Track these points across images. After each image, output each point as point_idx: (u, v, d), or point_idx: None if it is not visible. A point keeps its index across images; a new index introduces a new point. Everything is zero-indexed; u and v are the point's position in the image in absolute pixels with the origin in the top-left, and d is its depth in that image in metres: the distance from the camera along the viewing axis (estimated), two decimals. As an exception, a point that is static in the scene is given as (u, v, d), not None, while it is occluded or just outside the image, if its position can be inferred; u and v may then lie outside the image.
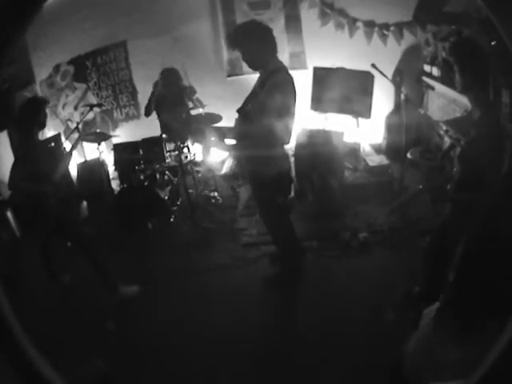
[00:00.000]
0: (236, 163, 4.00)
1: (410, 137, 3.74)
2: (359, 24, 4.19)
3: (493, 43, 2.87)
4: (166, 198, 3.47)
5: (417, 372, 1.22)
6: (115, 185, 4.07)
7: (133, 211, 3.38)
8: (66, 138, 4.10)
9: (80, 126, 4.04)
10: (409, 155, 3.85)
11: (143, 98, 4.36)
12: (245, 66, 4.22)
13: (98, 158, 3.96)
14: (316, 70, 3.90)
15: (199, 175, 3.94)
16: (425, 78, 4.24)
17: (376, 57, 3.75)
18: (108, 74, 4.38)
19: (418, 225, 3.28)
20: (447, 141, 3.38)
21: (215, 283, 2.88)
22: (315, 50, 4.20)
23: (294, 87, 2.26)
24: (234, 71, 4.28)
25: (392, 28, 4.23)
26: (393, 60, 4.29)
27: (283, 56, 4.22)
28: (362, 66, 3.66)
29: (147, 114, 3.70)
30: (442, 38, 4.00)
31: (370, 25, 4.19)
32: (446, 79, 3.84)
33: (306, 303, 2.66)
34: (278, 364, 2.19)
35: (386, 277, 2.73)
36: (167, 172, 3.62)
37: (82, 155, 4.16)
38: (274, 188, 2.40)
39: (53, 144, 4.08)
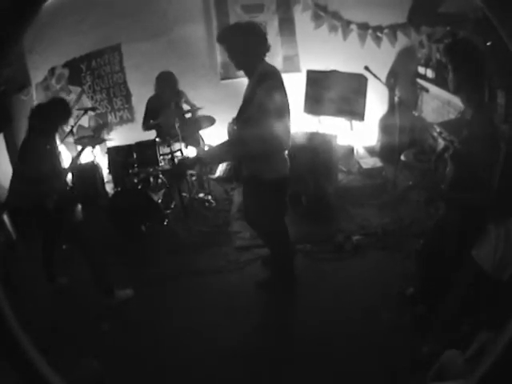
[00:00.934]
0: (232, 167, 4.01)
1: (403, 139, 3.76)
2: (353, 26, 4.20)
3: (488, 44, 2.88)
4: (160, 201, 3.47)
5: None
6: (110, 188, 4.08)
7: (126, 214, 3.38)
8: (61, 141, 4.11)
9: (74, 130, 4.08)
10: (402, 157, 3.87)
11: (137, 102, 4.37)
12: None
13: (93, 162, 3.97)
14: (309, 72, 3.91)
15: (193, 179, 3.94)
16: (419, 80, 4.25)
17: (370, 59, 3.77)
18: (102, 77, 4.39)
19: (411, 227, 3.29)
20: (441, 143, 3.38)
21: (209, 286, 2.88)
22: (309, 53, 4.21)
23: (285, 90, 2.25)
24: (227, 74, 4.29)
25: (386, 30, 4.24)
26: (387, 62, 4.30)
27: (277, 59, 4.26)
28: (356, 68, 3.67)
29: (145, 129, 3.70)
30: (437, 39, 4.01)
31: (363, 27, 4.20)
32: (441, 81, 3.84)
33: (301, 306, 2.67)
34: (273, 366, 2.19)
35: (380, 279, 2.74)
36: (161, 175, 3.63)
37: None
38: (273, 191, 2.39)
39: (48, 147, 4.09)
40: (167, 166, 3.59)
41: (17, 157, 2.81)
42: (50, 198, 2.58)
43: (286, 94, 2.24)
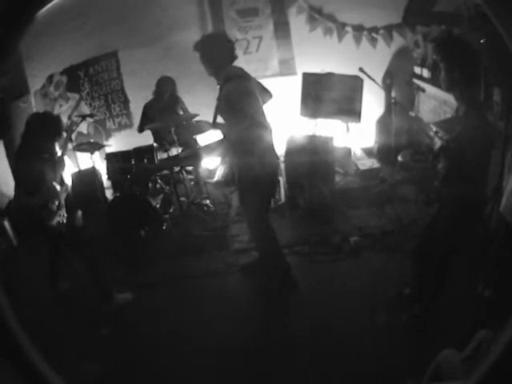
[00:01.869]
0: (230, 171, 4.04)
1: (400, 140, 3.77)
2: (348, 28, 4.21)
3: (482, 41, 2.88)
4: (158, 206, 3.50)
5: None
6: (109, 194, 4.11)
7: (125, 219, 3.41)
8: (60, 148, 4.14)
9: (73, 136, 4.11)
10: (400, 158, 3.88)
11: (135, 108, 4.40)
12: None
13: (93, 168, 4.00)
14: (305, 75, 3.92)
15: (191, 183, 3.97)
16: (415, 80, 4.25)
17: (366, 61, 3.78)
18: (100, 83, 4.42)
19: (409, 228, 3.29)
20: (438, 142, 3.39)
21: (208, 289, 2.91)
22: (305, 56, 4.22)
23: (248, 92, 2.33)
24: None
25: (381, 31, 4.25)
26: (383, 63, 4.31)
27: (272, 62, 4.28)
28: (352, 70, 3.69)
29: (140, 131, 3.76)
30: (432, 39, 4.01)
31: (358, 29, 4.21)
32: (437, 81, 3.84)
33: (298, 308, 2.68)
34: (271, 368, 2.20)
35: (377, 280, 2.75)
36: (159, 180, 3.65)
37: (75, 165, 4.20)
38: (254, 191, 2.46)
39: (47, 155, 4.13)
40: (165, 171, 3.62)
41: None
42: (46, 209, 2.60)
43: (249, 95, 2.32)
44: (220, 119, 2.51)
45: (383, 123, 4.27)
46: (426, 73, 4.09)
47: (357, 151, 4.27)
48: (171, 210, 3.68)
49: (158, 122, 3.53)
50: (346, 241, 3.19)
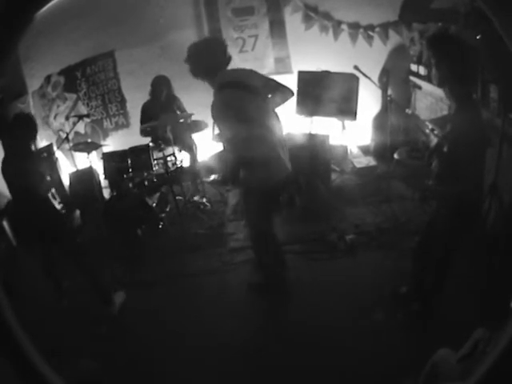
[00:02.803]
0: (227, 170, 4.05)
1: (396, 137, 3.76)
2: (344, 26, 4.21)
3: (478, 37, 2.88)
4: (155, 204, 3.51)
5: None
6: (107, 193, 4.12)
7: (122, 218, 3.43)
8: (57, 148, 4.17)
9: (71, 136, 4.13)
10: (396, 155, 3.87)
11: (132, 107, 4.42)
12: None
13: (90, 167, 4.02)
14: (301, 73, 3.92)
15: (188, 182, 3.98)
16: (412, 78, 4.25)
17: (362, 58, 3.78)
18: (97, 83, 4.44)
19: (406, 225, 3.29)
20: (433, 139, 3.39)
21: (204, 287, 2.92)
22: (300, 54, 4.22)
23: (233, 105, 2.20)
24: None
25: (377, 29, 4.25)
26: (379, 61, 4.31)
27: (268, 61, 4.29)
28: (348, 68, 3.68)
29: (144, 135, 3.75)
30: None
31: (354, 26, 4.21)
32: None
33: (294, 306, 2.69)
34: (270, 367, 2.21)
35: (374, 278, 2.75)
36: (155, 179, 3.67)
37: (73, 165, 4.22)
38: (249, 197, 2.44)
39: (45, 154, 4.15)
40: (161, 170, 3.64)
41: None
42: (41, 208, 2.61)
43: (233, 108, 2.19)
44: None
45: (379, 121, 4.27)
46: (422, 70, 4.08)
47: (353, 149, 4.28)
48: (168, 209, 3.70)
49: (153, 121, 3.54)
50: (343, 238, 3.19)
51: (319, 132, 3.83)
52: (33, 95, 4.57)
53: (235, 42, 4.13)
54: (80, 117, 3.85)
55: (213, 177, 4.12)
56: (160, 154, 3.56)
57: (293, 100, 3.93)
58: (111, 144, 4.31)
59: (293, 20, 4.23)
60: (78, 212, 4.13)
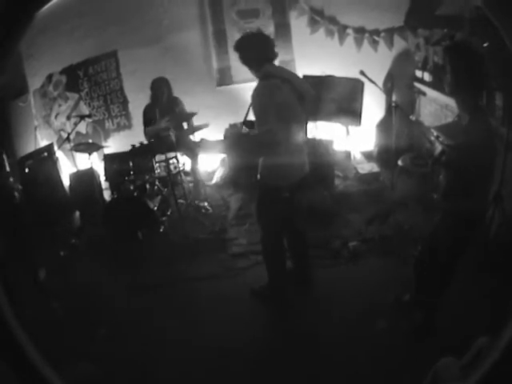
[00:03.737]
0: (229, 173, 4.03)
1: (400, 143, 3.74)
2: (349, 31, 4.19)
3: (485, 45, 2.86)
4: (156, 208, 3.48)
5: None
6: (107, 195, 4.09)
7: (123, 221, 3.39)
8: (58, 148, 4.13)
9: (72, 136, 4.09)
10: (400, 162, 3.84)
11: (134, 108, 4.38)
12: (234, 76, 4.29)
13: (91, 168, 3.98)
14: (306, 78, 3.89)
15: (190, 185, 3.95)
16: (416, 84, 4.23)
17: (367, 63, 3.76)
18: (99, 83, 4.40)
19: (409, 232, 3.27)
20: (438, 147, 3.36)
21: (205, 293, 2.88)
22: (305, 58, 4.20)
23: (276, 92, 2.23)
24: (223, 81, 4.28)
25: (383, 34, 4.23)
26: (384, 66, 4.29)
27: (273, 64, 4.25)
28: (353, 73, 3.66)
29: (149, 138, 3.72)
30: (434, 42, 3.99)
31: (360, 31, 4.19)
32: (438, 84, 3.82)
33: (296, 312, 2.66)
34: (271, 373, 2.19)
35: (377, 285, 2.73)
36: (157, 182, 3.63)
37: (74, 165, 4.18)
38: (261, 197, 2.43)
39: (45, 154, 4.11)
40: (163, 173, 3.60)
41: None
42: None
43: (276, 94, 2.23)
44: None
45: (383, 127, 4.25)
46: (427, 76, 4.07)
47: (356, 155, 4.25)
48: (169, 213, 3.66)
49: (157, 123, 3.49)
50: (346, 245, 3.17)
51: (323, 137, 3.81)
52: (34, 94, 4.53)
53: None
54: (82, 117, 3.81)
55: (215, 180, 4.09)
56: (162, 157, 3.52)
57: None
58: (113, 145, 4.27)
59: (298, 23, 4.20)
60: (77, 213, 4.10)
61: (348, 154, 4.06)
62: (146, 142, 3.62)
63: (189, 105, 3.90)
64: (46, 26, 3.88)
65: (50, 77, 4.51)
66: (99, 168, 4.06)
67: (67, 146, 3.98)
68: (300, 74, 4.04)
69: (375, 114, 4.29)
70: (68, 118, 4.42)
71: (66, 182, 4.10)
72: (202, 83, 4.27)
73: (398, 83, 4.23)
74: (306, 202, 2.50)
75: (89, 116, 4.00)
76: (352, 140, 4.06)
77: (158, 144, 3.56)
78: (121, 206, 3.41)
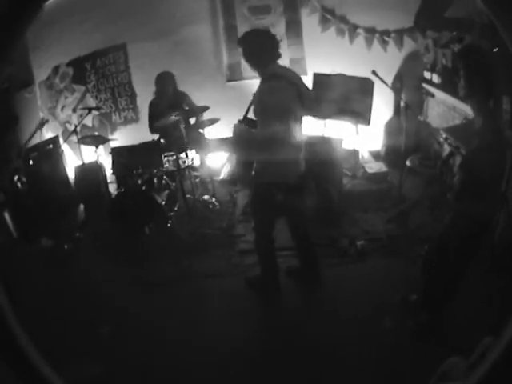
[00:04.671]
0: (236, 169, 4.01)
1: (409, 144, 3.74)
2: (360, 30, 4.19)
3: (495, 50, 2.87)
4: (164, 202, 3.45)
5: None
6: (113, 189, 4.05)
7: (130, 215, 3.36)
8: (65, 141, 4.09)
9: (78, 129, 4.05)
10: (408, 162, 3.85)
11: (142, 102, 4.34)
12: (245, 72, 4.27)
13: (96, 162, 3.94)
14: (316, 76, 3.89)
15: (197, 180, 3.92)
16: (425, 85, 4.23)
17: (376, 63, 3.75)
18: (107, 76, 4.36)
19: (416, 232, 3.27)
20: (446, 148, 3.38)
21: (211, 289, 2.86)
22: (315, 56, 4.18)
23: (279, 94, 2.25)
24: (233, 76, 4.27)
25: (393, 35, 4.23)
26: (393, 66, 4.29)
27: (283, 61, 4.22)
28: (362, 72, 3.66)
29: (153, 132, 3.70)
30: (443, 44, 4.00)
31: (370, 31, 4.19)
32: (446, 86, 3.83)
33: (303, 310, 2.66)
34: (275, 371, 2.17)
35: (384, 285, 2.72)
36: (165, 177, 3.60)
37: (79, 158, 4.14)
38: (254, 195, 2.47)
39: (51, 146, 4.07)
40: (171, 168, 3.57)
41: None
42: None
43: (284, 97, 2.26)
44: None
45: (391, 127, 4.25)
46: (435, 78, 4.07)
47: (364, 154, 4.25)
48: (176, 208, 3.64)
49: (164, 118, 3.45)
50: (353, 244, 3.16)
51: (333, 135, 3.80)
52: (40, 85, 4.49)
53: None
54: (90, 109, 3.77)
55: (222, 176, 4.07)
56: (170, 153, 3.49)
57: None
58: (119, 138, 4.23)
59: (309, 21, 4.19)
60: (81, 206, 4.07)
61: (357, 153, 4.06)
62: (156, 138, 3.60)
63: (198, 100, 3.88)
64: (53, 18, 3.85)
65: (56, 68, 4.48)
66: (105, 161, 4.03)
67: (73, 138, 3.94)
68: (310, 72, 4.06)
69: (384, 114, 4.29)
70: (74, 110, 4.38)
71: (71, 175, 4.07)
72: (212, 78, 4.25)
73: (406, 84, 4.24)
74: (300, 201, 2.55)
75: (97, 108, 3.96)
76: (361, 139, 4.05)
77: (166, 140, 3.55)
78: (128, 200, 3.38)
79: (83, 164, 4.08)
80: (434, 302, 2.30)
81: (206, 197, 3.85)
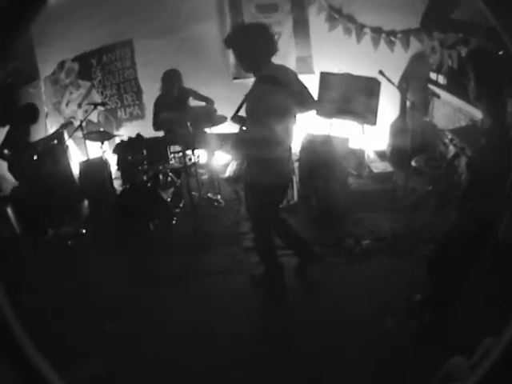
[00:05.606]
0: (239, 166, 4.01)
1: (414, 144, 3.74)
2: (367, 30, 4.19)
3: (500, 52, 2.87)
4: (169, 199, 3.44)
5: None
6: (117, 184, 4.04)
7: (135, 212, 3.35)
8: (69, 136, 4.07)
9: (83, 124, 4.04)
10: (413, 163, 3.85)
11: (148, 98, 4.34)
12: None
13: (101, 157, 3.93)
14: (323, 74, 3.89)
15: (203, 177, 3.91)
16: (430, 86, 4.24)
17: (383, 63, 3.74)
18: (113, 72, 4.35)
19: (422, 232, 3.27)
20: (452, 149, 3.38)
21: (216, 287, 2.86)
22: (322, 55, 4.19)
23: (272, 96, 2.18)
24: (240, 74, 4.25)
25: (399, 35, 4.23)
26: (399, 67, 4.29)
27: (290, 59, 4.23)
28: (369, 71, 3.65)
29: (157, 129, 3.68)
30: (449, 45, 4.00)
31: (377, 31, 4.19)
32: (452, 87, 3.84)
33: (308, 309, 2.64)
34: (277, 370, 2.16)
35: (388, 284, 2.72)
36: (170, 173, 3.60)
37: (84, 154, 4.13)
38: (256, 195, 2.44)
39: (55, 141, 4.06)
40: (177, 165, 3.56)
41: None
42: None
43: (280, 97, 2.19)
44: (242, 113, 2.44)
45: (397, 127, 4.25)
46: (441, 79, 4.07)
47: (370, 153, 4.25)
48: (181, 205, 3.63)
49: (173, 114, 3.43)
50: (359, 244, 3.16)
51: (338, 135, 3.80)
52: (45, 81, 4.47)
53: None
54: (96, 105, 3.75)
55: (228, 173, 4.06)
56: (177, 148, 3.48)
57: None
58: (125, 135, 4.22)
59: (316, 20, 4.19)
60: (86, 202, 4.06)
61: (362, 153, 4.05)
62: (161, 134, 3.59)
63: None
64: (59, 13, 3.83)
65: (61, 64, 4.47)
66: (109, 157, 4.02)
67: (79, 133, 3.93)
68: (317, 71, 4.05)
69: (390, 114, 4.29)
70: (79, 105, 4.37)
71: (76, 171, 4.06)
72: (219, 76, 4.24)
73: (412, 84, 4.24)
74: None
75: (103, 104, 3.95)
76: (367, 139, 4.05)
77: (172, 137, 3.53)
78: (133, 197, 3.37)
79: (88, 160, 4.07)
80: (440, 301, 2.30)
81: (211, 194, 3.84)
